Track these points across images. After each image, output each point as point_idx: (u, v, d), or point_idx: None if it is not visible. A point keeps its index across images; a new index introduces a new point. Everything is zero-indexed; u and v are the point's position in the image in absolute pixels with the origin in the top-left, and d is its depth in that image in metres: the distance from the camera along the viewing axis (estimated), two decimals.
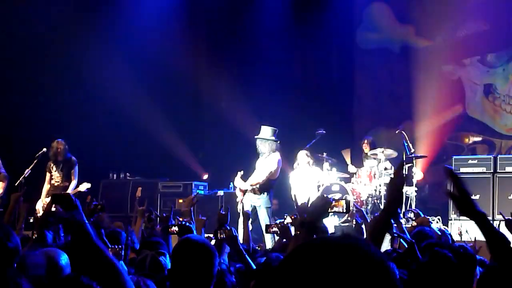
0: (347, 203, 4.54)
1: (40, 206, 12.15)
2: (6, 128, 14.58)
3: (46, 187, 12.63)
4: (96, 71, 15.39)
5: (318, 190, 12.68)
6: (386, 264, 1.72)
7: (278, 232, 6.49)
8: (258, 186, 11.66)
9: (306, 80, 17.19)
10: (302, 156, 12.99)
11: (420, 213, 9.89)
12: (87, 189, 12.75)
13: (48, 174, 12.73)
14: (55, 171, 12.70)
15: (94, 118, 15.57)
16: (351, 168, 14.26)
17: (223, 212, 6.23)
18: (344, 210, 4.60)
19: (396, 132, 14.51)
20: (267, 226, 6.71)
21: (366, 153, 14.21)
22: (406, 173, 13.57)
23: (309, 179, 12.80)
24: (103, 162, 15.18)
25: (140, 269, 4.68)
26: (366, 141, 14.43)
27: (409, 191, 13.50)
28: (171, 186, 15.29)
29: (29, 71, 15.05)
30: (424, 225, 8.13)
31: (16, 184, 12.32)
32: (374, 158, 13.84)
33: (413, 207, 13.02)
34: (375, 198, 13.56)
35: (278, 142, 11.91)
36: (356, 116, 18.08)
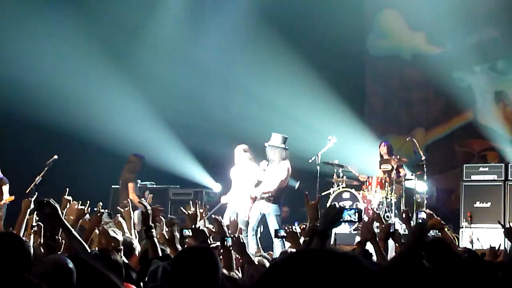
0: (359, 212, 4.55)
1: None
2: (17, 135, 14.62)
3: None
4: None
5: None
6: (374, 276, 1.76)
7: (286, 237, 6.48)
8: (268, 194, 11.62)
9: (317, 87, 17.15)
10: (239, 151, 12.43)
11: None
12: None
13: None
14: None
15: (105, 124, 15.59)
16: (361, 178, 14.24)
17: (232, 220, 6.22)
18: (356, 219, 4.60)
19: (407, 139, 14.53)
20: (276, 231, 6.70)
21: (382, 156, 14.20)
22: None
23: (247, 175, 12.27)
24: (114, 168, 15.19)
25: (151, 281, 4.66)
26: (383, 145, 14.37)
27: (419, 198, 13.51)
28: (181, 193, 15.31)
29: (43, 80, 15.10)
30: (436, 227, 8.07)
31: (27, 192, 12.36)
32: (389, 163, 13.82)
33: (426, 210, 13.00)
34: (386, 205, 13.54)
35: (288, 149, 11.87)
36: (367, 123, 18.06)
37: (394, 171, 13.70)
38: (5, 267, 3.92)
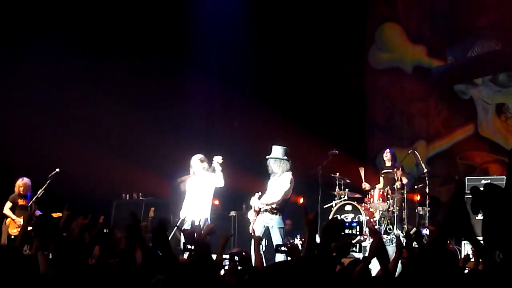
0: (360, 225, 4.56)
1: None
2: (20, 148, 14.65)
3: None
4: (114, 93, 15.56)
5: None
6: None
7: (287, 251, 6.47)
8: (272, 206, 11.55)
9: (319, 100, 17.19)
10: (196, 162, 12.11)
11: None
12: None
13: None
14: None
15: (107, 138, 15.64)
16: (365, 185, 14.22)
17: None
18: (357, 232, 4.61)
19: (409, 152, 14.53)
20: (277, 246, 6.69)
21: (385, 164, 14.20)
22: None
23: (205, 185, 12.06)
24: (116, 182, 15.21)
25: None
26: (388, 152, 14.37)
27: (422, 211, 13.50)
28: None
29: (46, 93, 15.15)
30: None
31: (29, 204, 12.42)
32: (391, 173, 13.83)
33: (427, 225, 13.02)
34: (388, 218, 13.54)
35: (290, 161, 11.84)
36: (369, 136, 18.07)
37: (397, 182, 13.69)
38: (5, 282, 3.92)
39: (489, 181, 13.34)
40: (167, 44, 16.97)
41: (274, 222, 11.48)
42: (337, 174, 14.19)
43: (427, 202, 13.63)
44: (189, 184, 12.26)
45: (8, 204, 12.90)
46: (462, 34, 16.92)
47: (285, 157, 11.69)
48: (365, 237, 13.11)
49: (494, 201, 3.11)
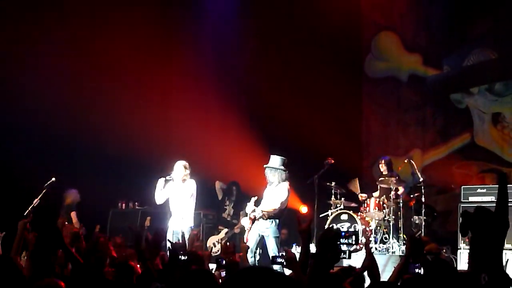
0: (356, 234, 4.57)
1: None
2: (16, 157, 14.63)
3: None
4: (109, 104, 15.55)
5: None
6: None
7: (284, 263, 6.46)
8: (268, 215, 11.52)
9: (315, 109, 17.20)
10: (180, 168, 11.93)
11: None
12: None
13: None
14: None
15: (103, 147, 15.62)
16: (362, 196, 14.23)
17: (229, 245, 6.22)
18: (354, 242, 4.62)
19: (405, 160, 14.54)
20: (273, 257, 6.69)
21: (382, 172, 14.23)
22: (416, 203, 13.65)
23: (184, 193, 11.90)
24: (112, 191, 15.19)
25: None
26: (383, 161, 14.40)
27: (418, 220, 13.51)
28: None
29: (41, 101, 15.13)
30: (433, 251, 8.11)
31: (25, 214, 12.39)
32: (387, 183, 13.84)
33: (422, 235, 13.01)
34: (384, 227, 13.54)
35: (287, 171, 11.83)
36: (365, 145, 18.10)
37: (392, 192, 13.71)
38: None
39: (484, 191, 13.38)
40: (164, 51, 17.02)
41: (269, 232, 11.48)
42: (333, 184, 14.21)
43: (423, 211, 13.65)
44: (170, 190, 12.02)
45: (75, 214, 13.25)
46: (458, 43, 16.96)
47: (282, 167, 11.70)
48: (361, 246, 13.13)
49: (483, 224, 3.15)
